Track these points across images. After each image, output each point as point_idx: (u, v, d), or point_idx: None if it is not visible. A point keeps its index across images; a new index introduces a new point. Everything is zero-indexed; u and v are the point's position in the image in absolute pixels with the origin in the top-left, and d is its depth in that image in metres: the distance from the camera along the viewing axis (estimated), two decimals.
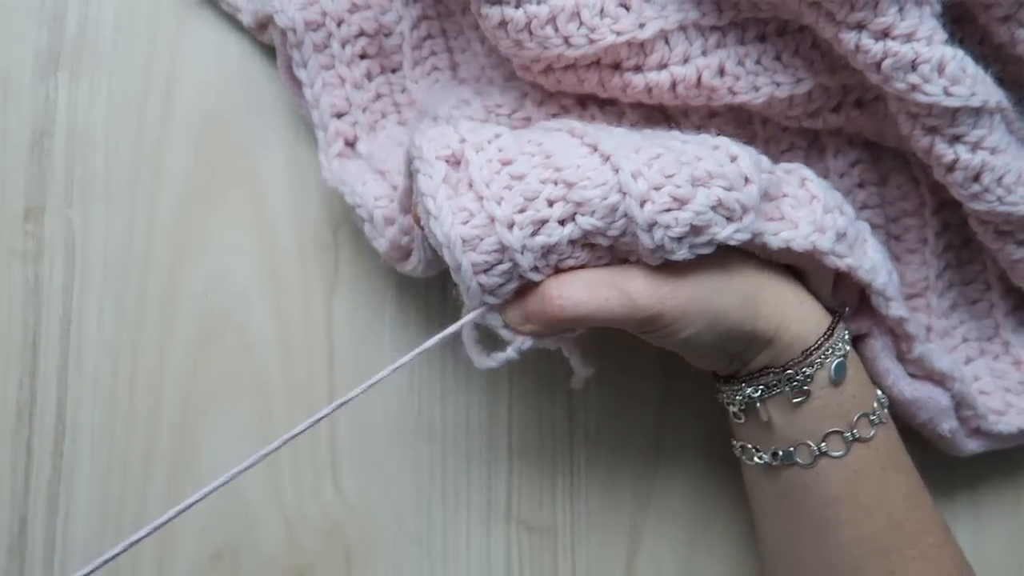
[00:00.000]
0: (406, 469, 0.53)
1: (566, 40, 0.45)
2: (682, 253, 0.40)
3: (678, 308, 0.40)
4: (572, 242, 0.40)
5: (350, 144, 0.52)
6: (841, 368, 0.43)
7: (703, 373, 0.48)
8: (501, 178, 0.40)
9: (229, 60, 0.54)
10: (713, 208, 0.40)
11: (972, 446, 0.50)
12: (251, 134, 0.54)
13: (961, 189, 0.44)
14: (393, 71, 0.53)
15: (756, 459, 0.44)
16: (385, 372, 0.40)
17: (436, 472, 0.53)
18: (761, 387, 0.43)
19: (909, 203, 0.51)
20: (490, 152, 0.41)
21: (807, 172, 0.44)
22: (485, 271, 0.40)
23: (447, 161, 0.41)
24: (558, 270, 0.41)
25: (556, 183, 0.40)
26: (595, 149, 0.41)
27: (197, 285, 0.54)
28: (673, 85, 0.46)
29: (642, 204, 0.39)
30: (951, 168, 0.44)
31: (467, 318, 0.41)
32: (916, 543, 0.43)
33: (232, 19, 0.54)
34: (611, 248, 0.41)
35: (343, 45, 0.51)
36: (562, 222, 0.40)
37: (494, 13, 0.45)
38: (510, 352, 0.42)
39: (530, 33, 0.45)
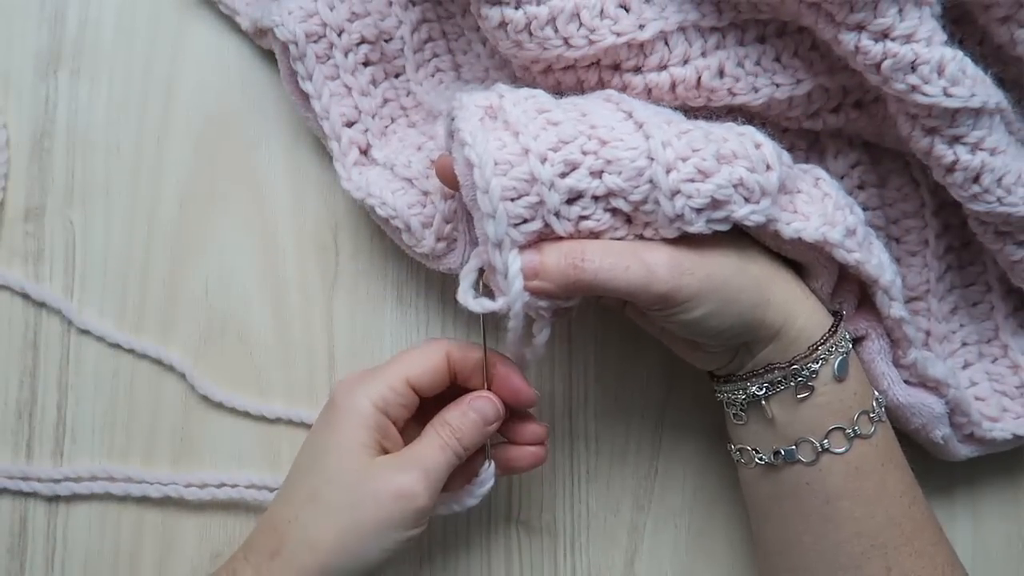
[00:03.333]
0: None
1: (566, 41, 0.45)
2: (699, 225, 0.41)
3: (694, 285, 0.41)
4: (596, 198, 0.41)
5: (363, 151, 0.52)
6: (844, 365, 0.43)
7: (704, 375, 0.48)
8: (538, 121, 0.41)
9: (229, 60, 0.55)
10: (734, 186, 0.41)
11: (965, 452, 0.50)
12: (251, 134, 0.54)
13: (960, 190, 0.44)
14: (397, 75, 0.53)
15: (757, 460, 0.44)
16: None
17: None
18: (766, 384, 0.43)
19: (909, 204, 0.51)
20: (527, 104, 0.42)
21: (821, 172, 0.45)
22: (512, 199, 0.40)
23: (486, 112, 0.42)
24: (579, 231, 0.41)
25: (590, 138, 0.41)
26: (630, 116, 0.42)
27: (197, 285, 0.54)
28: (673, 86, 0.46)
29: (668, 172, 0.40)
30: (951, 169, 0.44)
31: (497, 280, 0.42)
32: (913, 540, 0.43)
33: (232, 20, 0.54)
34: (630, 220, 0.42)
35: (345, 54, 0.51)
36: (591, 174, 0.41)
37: (494, 14, 0.45)
38: (500, 302, 0.42)
39: (530, 34, 0.45)
